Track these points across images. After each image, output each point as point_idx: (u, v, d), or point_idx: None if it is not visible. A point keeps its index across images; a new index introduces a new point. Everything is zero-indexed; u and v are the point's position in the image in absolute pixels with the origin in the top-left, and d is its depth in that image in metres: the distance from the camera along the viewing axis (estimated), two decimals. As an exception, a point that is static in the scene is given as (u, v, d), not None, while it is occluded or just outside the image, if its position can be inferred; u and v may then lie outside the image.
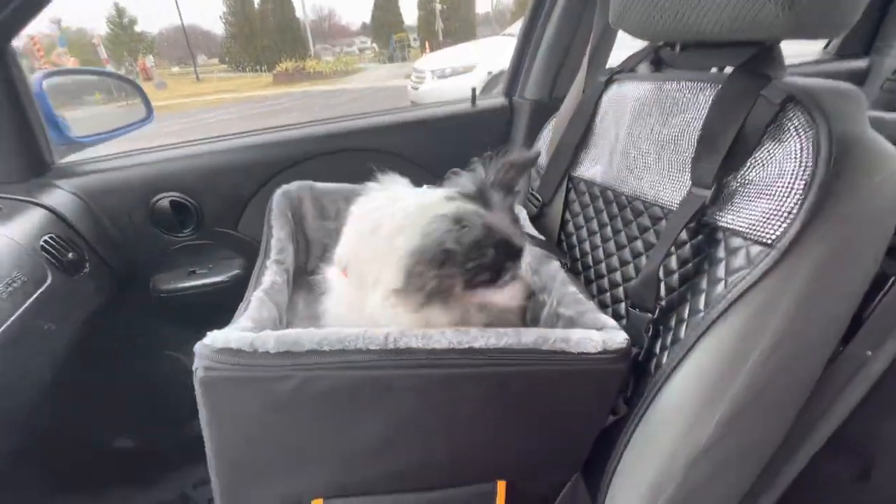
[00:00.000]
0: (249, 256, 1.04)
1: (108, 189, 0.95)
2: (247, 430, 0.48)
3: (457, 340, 0.49)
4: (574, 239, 0.85)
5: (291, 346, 0.46)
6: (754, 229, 0.49)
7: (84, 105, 1.37)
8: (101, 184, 0.94)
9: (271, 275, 0.70)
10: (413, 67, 6.14)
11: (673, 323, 0.57)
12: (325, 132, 1.05)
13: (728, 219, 0.53)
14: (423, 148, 1.10)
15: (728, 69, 0.61)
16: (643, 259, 0.68)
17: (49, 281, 0.76)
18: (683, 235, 0.58)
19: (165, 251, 1.02)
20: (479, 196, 0.56)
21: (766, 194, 0.49)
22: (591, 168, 0.83)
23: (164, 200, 0.97)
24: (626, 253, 0.72)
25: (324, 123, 1.08)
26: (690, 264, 0.58)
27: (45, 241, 0.80)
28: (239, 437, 0.49)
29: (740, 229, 0.51)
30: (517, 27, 1.29)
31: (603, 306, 0.75)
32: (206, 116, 8.71)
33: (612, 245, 0.76)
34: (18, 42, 1.03)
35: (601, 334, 0.54)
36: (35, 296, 0.72)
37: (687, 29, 0.57)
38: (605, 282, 0.76)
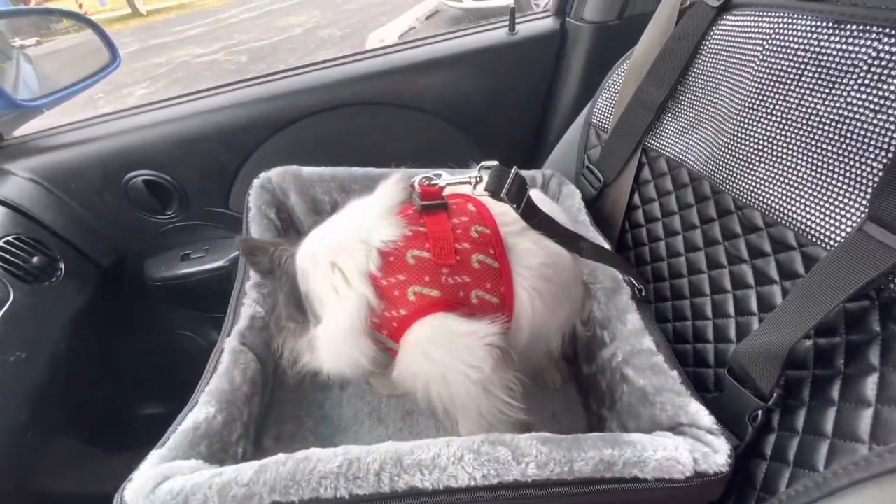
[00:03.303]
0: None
1: (70, 169, 0.79)
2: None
3: (481, 475, 0.34)
4: (643, 234, 0.64)
5: (242, 499, 0.32)
6: None
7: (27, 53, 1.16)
8: (61, 163, 0.79)
9: (250, 306, 0.56)
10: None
11: (800, 425, 0.39)
12: (319, 82, 0.82)
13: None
14: (446, 94, 0.85)
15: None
16: (749, 294, 0.48)
17: (11, 299, 0.65)
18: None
19: (153, 234, 0.89)
20: None
21: None
22: (679, 141, 0.58)
23: (136, 180, 0.81)
24: (723, 277, 0.51)
25: (316, 69, 0.84)
26: (839, 339, 0.38)
27: (1, 247, 0.68)
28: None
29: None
30: None
31: (679, 341, 0.56)
32: (227, 16, 8.03)
33: (700, 259, 0.55)
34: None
35: (691, 449, 0.37)
36: (-9, 325, 0.61)
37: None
38: (686, 307, 0.56)
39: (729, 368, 0.44)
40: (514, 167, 0.45)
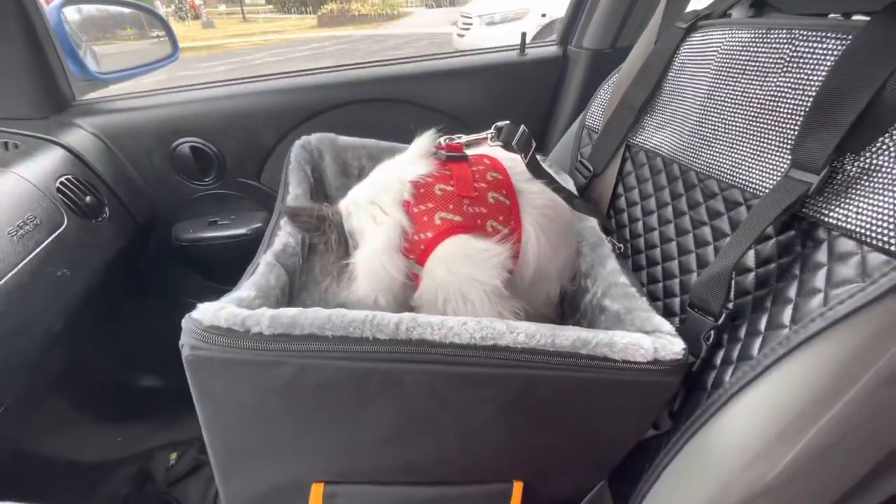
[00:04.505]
0: (272, 209, 0.99)
1: (128, 130, 0.90)
2: (239, 412, 0.44)
3: (480, 336, 0.42)
4: (624, 217, 0.74)
5: (287, 327, 0.40)
6: (876, 232, 0.38)
7: (117, 40, 1.32)
8: (121, 124, 0.90)
9: (284, 236, 0.64)
10: (460, 12, 5.77)
11: (742, 334, 0.47)
12: (356, 78, 0.96)
13: (838, 214, 0.42)
14: (463, 100, 0.99)
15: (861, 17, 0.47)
16: (709, 250, 0.58)
17: (65, 225, 0.73)
18: (769, 229, 0.47)
19: (187, 199, 0.98)
20: None
21: (901, 186, 0.38)
22: (656, 135, 0.70)
23: (184, 146, 0.92)
24: (689, 240, 0.61)
25: (354, 68, 0.98)
26: (774, 265, 0.47)
27: (62, 183, 0.77)
28: (231, 419, 0.45)
29: (855, 229, 0.40)
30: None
31: (652, 299, 0.65)
32: (252, 58, 8.62)
33: (671, 229, 0.65)
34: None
35: (653, 340, 0.45)
36: (48, 240, 0.69)
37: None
38: (658, 271, 0.65)
39: (690, 302, 0.53)
40: (522, 125, 0.56)
